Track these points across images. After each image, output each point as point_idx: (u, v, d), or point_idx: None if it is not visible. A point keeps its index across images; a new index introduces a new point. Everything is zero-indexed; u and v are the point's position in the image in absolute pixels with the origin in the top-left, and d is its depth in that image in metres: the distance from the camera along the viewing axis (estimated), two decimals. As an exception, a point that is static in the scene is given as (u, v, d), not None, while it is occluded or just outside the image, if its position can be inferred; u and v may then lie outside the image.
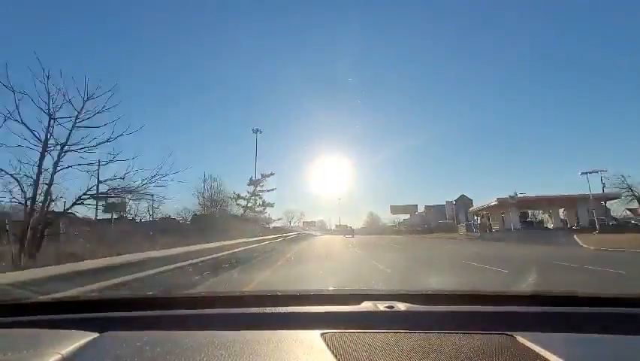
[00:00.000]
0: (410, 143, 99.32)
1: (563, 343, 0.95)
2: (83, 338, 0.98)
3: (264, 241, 19.79)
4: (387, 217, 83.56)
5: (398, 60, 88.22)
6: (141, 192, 12.63)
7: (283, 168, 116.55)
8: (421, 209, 77.21)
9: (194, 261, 8.41)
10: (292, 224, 75.83)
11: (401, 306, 1.20)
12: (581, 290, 1.37)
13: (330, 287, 4.33)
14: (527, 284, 6.56)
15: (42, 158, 10.28)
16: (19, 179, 10.07)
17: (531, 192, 48.39)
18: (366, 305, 1.23)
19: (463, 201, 62.02)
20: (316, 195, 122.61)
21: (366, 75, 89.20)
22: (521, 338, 0.96)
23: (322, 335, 1.00)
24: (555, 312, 1.20)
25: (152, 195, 14.90)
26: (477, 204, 56.09)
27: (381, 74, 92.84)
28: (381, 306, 1.20)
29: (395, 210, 78.28)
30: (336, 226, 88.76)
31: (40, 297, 2.75)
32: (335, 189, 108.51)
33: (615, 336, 1.01)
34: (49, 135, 10.34)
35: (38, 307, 1.34)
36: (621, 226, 32.27)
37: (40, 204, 10.33)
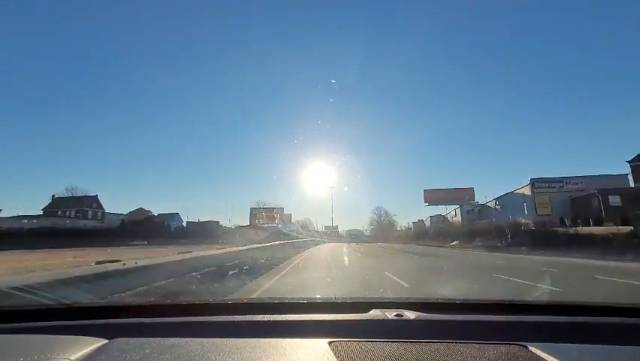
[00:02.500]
0: (436, 125, 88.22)
1: (577, 353, 0.91)
2: (92, 344, 1.01)
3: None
4: (403, 214, 63.40)
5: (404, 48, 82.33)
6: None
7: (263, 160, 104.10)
8: (481, 197, 46.26)
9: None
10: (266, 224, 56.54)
11: (410, 314, 1.17)
12: (594, 300, 1.31)
13: (338, 295, 4.31)
14: None
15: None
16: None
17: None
18: (375, 313, 1.21)
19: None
20: (303, 190, 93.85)
21: (367, 70, 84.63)
22: (534, 349, 0.92)
23: (330, 343, 0.99)
24: (568, 322, 1.14)
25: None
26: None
27: (388, 62, 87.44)
28: (390, 314, 1.18)
29: (432, 197, 47.93)
30: (326, 227, 74.31)
31: (49, 303, 2.85)
32: (326, 180, 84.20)
33: (630, 347, 0.95)
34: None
35: (47, 314, 1.39)
36: None
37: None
